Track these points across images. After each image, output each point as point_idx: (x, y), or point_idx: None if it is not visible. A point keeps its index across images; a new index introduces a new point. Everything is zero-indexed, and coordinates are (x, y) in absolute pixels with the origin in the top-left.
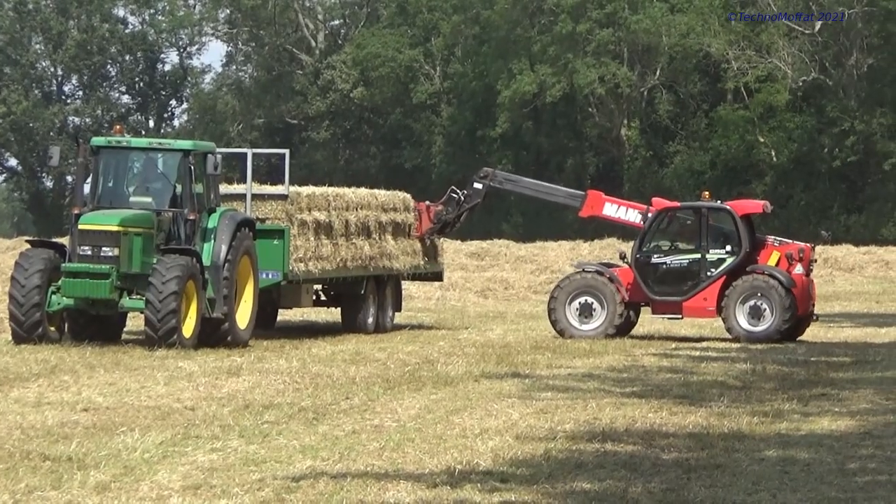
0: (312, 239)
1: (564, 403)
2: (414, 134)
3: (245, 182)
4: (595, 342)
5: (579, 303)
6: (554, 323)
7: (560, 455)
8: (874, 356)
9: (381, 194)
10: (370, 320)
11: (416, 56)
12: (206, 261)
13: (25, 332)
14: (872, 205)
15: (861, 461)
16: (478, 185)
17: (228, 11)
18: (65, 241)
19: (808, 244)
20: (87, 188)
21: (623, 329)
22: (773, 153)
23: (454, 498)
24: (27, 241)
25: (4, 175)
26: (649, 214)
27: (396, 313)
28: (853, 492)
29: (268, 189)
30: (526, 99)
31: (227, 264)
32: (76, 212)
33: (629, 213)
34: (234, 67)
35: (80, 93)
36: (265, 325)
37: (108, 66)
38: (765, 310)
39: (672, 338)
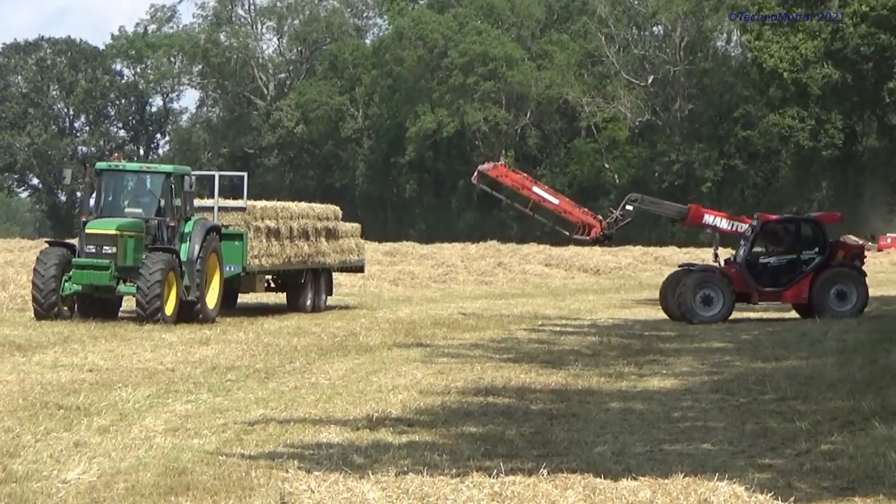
0: (264, 241)
1: (456, 366)
2: (342, 160)
3: (213, 197)
4: (479, 320)
5: (702, 294)
6: (682, 307)
7: (453, 406)
8: (693, 331)
9: (317, 207)
10: (308, 302)
11: (343, 101)
12: (183, 257)
13: (44, 311)
14: None
15: (682, 411)
16: (629, 208)
17: (201, 66)
18: (75, 241)
19: (861, 243)
20: (92, 201)
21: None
22: (616, 177)
23: (372, 438)
24: (46, 241)
25: (29, 191)
26: (754, 224)
27: (328, 297)
28: (676, 434)
29: (230, 203)
30: (428, 134)
31: (199, 260)
32: (84, 219)
33: (722, 222)
34: (205, 109)
35: (87, 128)
36: (228, 306)
37: (109, 108)
38: (847, 294)
39: (538, 317)
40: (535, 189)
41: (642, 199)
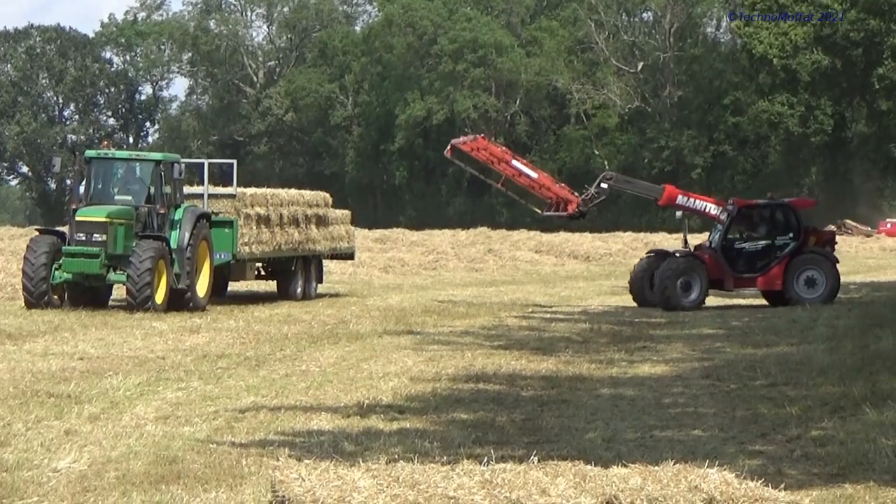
0: (255, 228)
1: (447, 353)
2: (331, 148)
3: (203, 184)
4: (470, 307)
5: (682, 280)
6: (664, 293)
7: (444, 392)
8: (683, 318)
9: (307, 194)
10: (299, 290)
11: (333, 89)
12: (173, 244)
13: (35, 300)
14: None
15: (673, 397)
16: (604, 185)
17: (190, 54)
18: (65, 229)
19: (831, 229)
20: (81, 189)
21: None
22: (606, 163)
23: (363, 425)
24: (36, 229)
25: (18, 179)
26: (730, 209)
27: (319, 285)
28: (667, 420)
29: (220, 190)
30: (417, 121)
31: (189, 247)
32: (73, 207)
33: (696, 203)
34: (195, 97)
35: (77, 116)
36: (218, 293)
37: (98, 96)
38: (817, 280)
39: (528, 304)
40: (514, 163)
41: (616, 178)
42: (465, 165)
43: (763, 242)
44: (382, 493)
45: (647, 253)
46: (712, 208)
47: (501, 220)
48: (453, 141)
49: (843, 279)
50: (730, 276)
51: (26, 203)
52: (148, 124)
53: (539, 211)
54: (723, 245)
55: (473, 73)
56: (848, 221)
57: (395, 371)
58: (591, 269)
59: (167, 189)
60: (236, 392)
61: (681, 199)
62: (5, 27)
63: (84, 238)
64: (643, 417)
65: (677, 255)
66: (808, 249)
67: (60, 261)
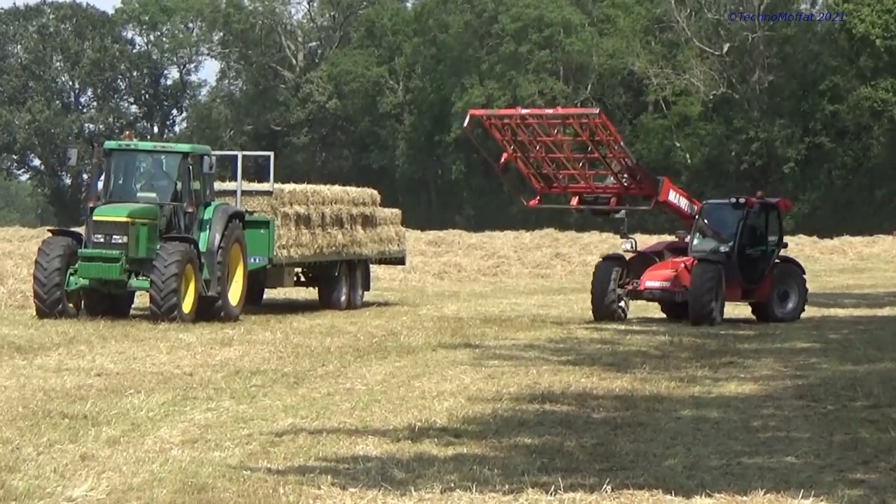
0: (293, 229)
1: (509, 370)
2: (380, 139)
3: (236, 180)
4: (535, 317)
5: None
6: (702, 309)
7: (505, 414)
8: (773, 330)
9: (352, 191)
10: (343, 298)
11: (381, 73)
12: (202, 247)
13: (47, 308)
14: None
15: (763, 420)
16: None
17: (222, 34)
18: (81, 230)
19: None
20: (100, 185)
21: None
22: (688, 156)
23: (415, 451)
24: (49, 230)
25: (29, 173)
26: (747, 209)
27: (365, 292)
28: (756, 446)
29: (255, 186)
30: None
31: (220, 250)
32: (91, 205)
33: (681, 200)
34: (227, 82)
35: (95, 103)
36: (253, 302)
37: (119, 81)
38: (790, 294)
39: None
40: (623, 144)
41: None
42: (477, 143)
43: (760, 248)
44: None
45: (603, 259)
46: (692, 208)
47: (570, 221)
48: (472, 111)
49: None
50: (739, 286)
51: (38, 200)
52: (174, 112)
53: (525, 202)
54: (738, 251)
55: (539, 55)
56: None
57: (450, 389)
58: None
59: (196, 185)
60: (272, 413)
61: (672, 196)
62: (14, 3)
63: (102, 240)
64: (729, 442)
65: (709, 259)
66: (784, 258)
67: (76, 265)
